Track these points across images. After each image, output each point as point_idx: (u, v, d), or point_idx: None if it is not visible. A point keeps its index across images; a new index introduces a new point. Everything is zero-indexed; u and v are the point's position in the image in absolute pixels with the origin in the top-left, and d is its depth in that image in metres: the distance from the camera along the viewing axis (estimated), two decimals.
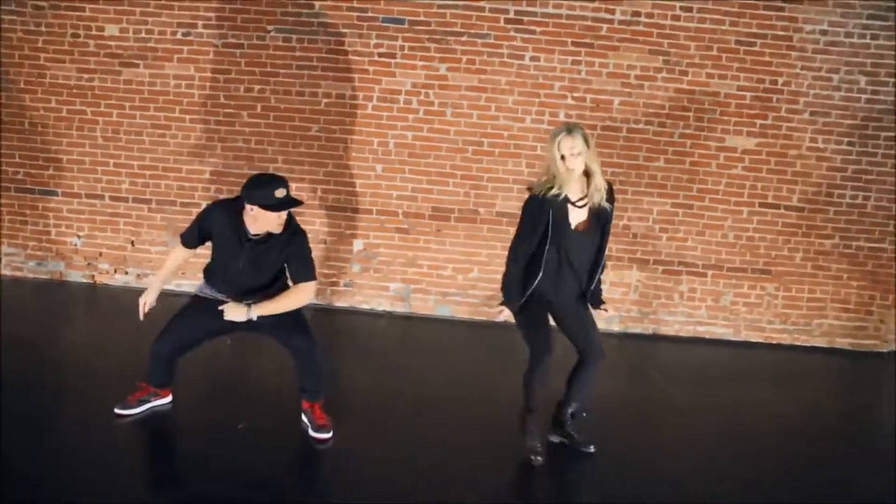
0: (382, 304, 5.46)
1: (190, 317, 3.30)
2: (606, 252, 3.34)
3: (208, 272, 3.38)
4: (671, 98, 5.18)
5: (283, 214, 3.06)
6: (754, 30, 5.06)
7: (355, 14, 5.07)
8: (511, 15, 5.09)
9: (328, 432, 3.32)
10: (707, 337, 5.46)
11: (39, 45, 5.18)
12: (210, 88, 5.17)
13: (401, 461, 3.22)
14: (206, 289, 3.34)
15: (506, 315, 3.56)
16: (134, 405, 3.39)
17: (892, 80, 5.15)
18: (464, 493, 3.00)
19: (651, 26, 5.08)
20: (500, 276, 5.33)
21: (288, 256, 3.21)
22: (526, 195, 3.25)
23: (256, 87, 5.17)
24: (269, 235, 3.14)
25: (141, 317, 3.29)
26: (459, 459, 3.29)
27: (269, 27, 5.09)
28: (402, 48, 5.13)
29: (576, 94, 5.18)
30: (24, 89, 5.25)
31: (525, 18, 5.09)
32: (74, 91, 5.24)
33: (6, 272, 5.45)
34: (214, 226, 3.19)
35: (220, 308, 3.17)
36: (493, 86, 5.19)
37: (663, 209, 5.30)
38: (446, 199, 5.34)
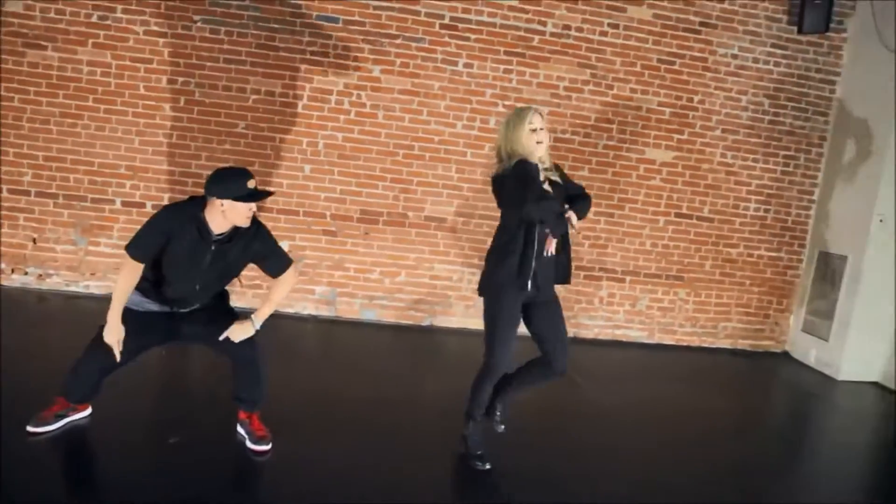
0: (307, 308, 5.33)
1: (128, 332, 3.04)
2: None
3: (148, 284, 3.10)
4: (597, 110, 5.39)
5: (254, 206, 2.93)
6: (674, 49, 5.37)
7: (288, 10, 4.93)
8: (446, 21, 5.12)
9: (267, 444, 3.19)
10: (624, 340, 5.72)
11: None
12: (128, 78, 4.86)
13: (340, 468, 3.14)
14: (146, 303, 3.10)
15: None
16: (51, 421, 3.11)
17: (792, 104, 5.61)
18: (406, 495, 2.97)
19: (580, 40, 5.26)
20: (427, 281, 5.42)
21: (258, 252, 3.06)
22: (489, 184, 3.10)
23: (180, 80, 4.90)
24: (235, 232, 2.98)
25: (118, 358, 2.95)
26: (398, 462, 3.25)
27: (196, 17, 4.85)
28: (335, 47, 5.04)
29: (507, 103, 5.27)
30: None
31: (460, 25, 5.14)
32: None
33: None
34: (174, 231, 2.93)
35: (225, 336, 3.02)
36: (426, 90, 5.20)
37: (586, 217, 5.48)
38: (375, 202, 5.29)
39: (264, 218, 5.12)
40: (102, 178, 4.96)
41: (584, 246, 5.55)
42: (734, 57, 5.46)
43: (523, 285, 2.99)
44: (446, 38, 5.15)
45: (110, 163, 4.94)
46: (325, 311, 5.36)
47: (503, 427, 3.31)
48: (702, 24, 5.38)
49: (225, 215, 2.89)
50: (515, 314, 3.08)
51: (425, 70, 5.17)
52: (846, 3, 5.50)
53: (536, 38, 5.23)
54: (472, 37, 5.17)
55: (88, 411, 3.22)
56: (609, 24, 5.27)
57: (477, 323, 5.51)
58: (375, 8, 5.03)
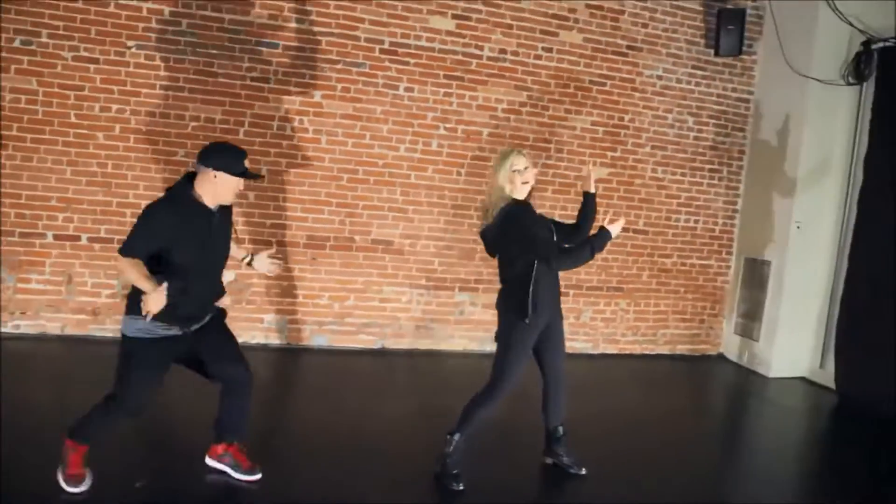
0: (256, 337, 5.20)
1: (155, 364, 2.88)
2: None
3: (169, 307, 2.86)
4: (534, 130, 5.57)
5: (242, 184, 2.91)
6: (605, 71, 5.64)
7: (227, 35, 4.87)
8: (386, 45, 5.19)
9: (259, 472, 3.15)
10: (570, 352, 5.83)
11: None
12: (58, 105, 4.64)
13: (312, 496, 3.09)
14: (158, 328, 2.86)
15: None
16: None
17: (713, 121, 5.99)
18: None
19: (516, 63, 5.45)
20: (376, 304, 5.40)
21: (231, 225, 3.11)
22: (479, 228, 3.34)
23: (114, 107, 4.74)
24: (221, 207, 2.94)
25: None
26: (368, 487, 3.22)
27: (130, 43, 4.71)
28: (276, 73, 5.01)
29: (448, 125, 5.38)
30: None
31: (399, 50, 5.22)
32: None
33: None
34: (170, 226, 2.78)
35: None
36: (368, 114, 5.23)
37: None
38: (321, 227, 5.25)
39: None
40: (32, 210, 4.69)
41: None
42: (659, 78, 5.79)
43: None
44: (387, 63, 5.21)
45: (40, 195, 4.69)
46: (275, 340, 5.24)
47: (584, 469, 3.54)
48: (629, 47, 5.69)
49: (215, 189, 2.84)
50: (526, 345, 3.30)
51: (367, 94, 5.21)
52: (756, 28, 5.95)
53: (474, 62, 5.38)
54: (412, 61, 5.26)
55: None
56: (543, 48, 5.49)
57: (428, 344, 5.57)
58: (315, 33, 5.04)
